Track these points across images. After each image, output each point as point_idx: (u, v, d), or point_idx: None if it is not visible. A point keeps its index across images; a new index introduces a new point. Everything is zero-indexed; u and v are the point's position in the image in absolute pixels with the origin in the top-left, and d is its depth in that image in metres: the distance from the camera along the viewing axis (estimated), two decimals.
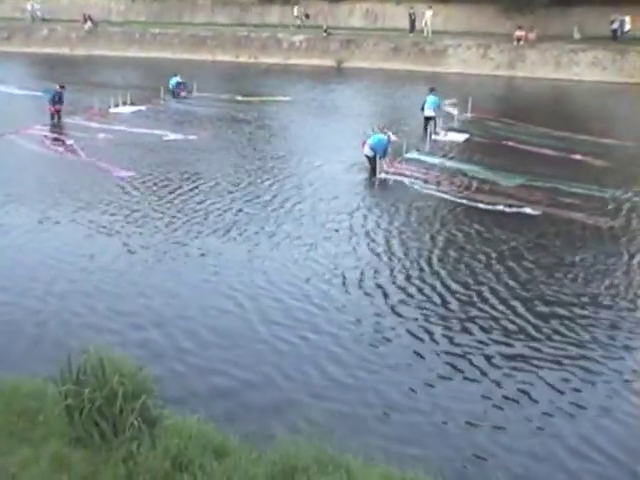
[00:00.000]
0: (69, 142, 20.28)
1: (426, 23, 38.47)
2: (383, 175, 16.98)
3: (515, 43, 35.73)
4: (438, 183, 16.50)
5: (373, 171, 17.03)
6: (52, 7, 48.09)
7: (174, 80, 28.72)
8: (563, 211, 14.47)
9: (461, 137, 21.52)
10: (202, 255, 12.21)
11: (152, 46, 42.11)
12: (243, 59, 40.13)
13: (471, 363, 8.78)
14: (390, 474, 5.73)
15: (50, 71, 36.21)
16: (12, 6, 48.72)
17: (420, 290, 10.90)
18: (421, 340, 9.40)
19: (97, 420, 5.69)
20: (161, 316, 9.96)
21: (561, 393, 8.15)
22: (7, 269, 11.60)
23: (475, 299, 10.57)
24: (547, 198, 15.24)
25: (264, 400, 7.92)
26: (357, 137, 19.98)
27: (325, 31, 39.85)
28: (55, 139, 20.96)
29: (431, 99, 21.31)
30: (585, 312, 10.22)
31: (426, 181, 16.63)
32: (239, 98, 28.24)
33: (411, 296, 10.69)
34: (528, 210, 14.45)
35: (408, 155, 18.74)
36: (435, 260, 12.12)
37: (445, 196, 15.51)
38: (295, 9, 42.06)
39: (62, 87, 23.25)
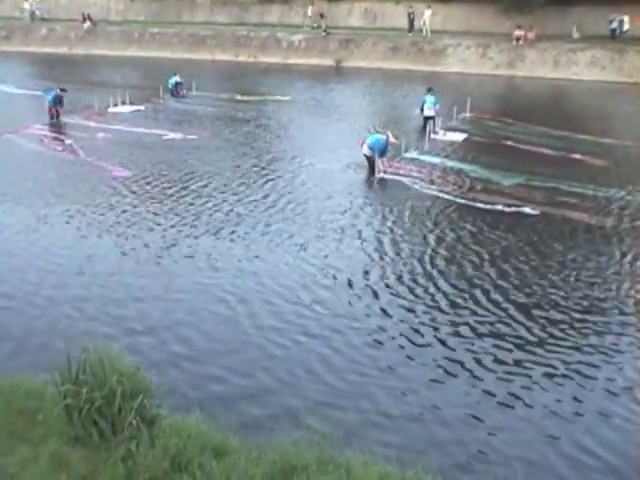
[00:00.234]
0: (68, 141, 20.27)
1: (425, 22, 38.46)
2: (382, 174, 16.98)
3: (514, 42, 35.73)
4: (437, 183, 16.49)
5: (372, 170, 17.03)
6: (51, 6, 48.10)
7: (173, 79, 28.73)
8: (562, 211, 14.47)
9: (460, 136, 21.52)
10: (195, 256, 12.17)
11: (151, 45, 42.08)
12: (242, 58, 40.11)
13: (465, 367, 8.73)
14: (390, 473, 5.72)
15: (49, 70, 36.21)
16: (11, 5, 48.67)
17: (415, 292, 10.86)
18: (415, 343, 9.35)
19: (96, 419, 5.69)
20: (153, 319, 9.91)
21: (556, 398, 8.10)
22: (2, 269, 11.58)
23: (471, 301, 10.53)
24: (546, 198, 15.24)
25: (258, 405, 7.86)
26: (356, 136, 20.00)
27: (324, 31, 39.85)
28: (54, 138, 20.95)
29: (430, 99, 21.34)
30: (587, 313, 10.22)
31: (425, 180, 16.62)
32: (238, 97, 28.24)
33: (405, 298, 10.66)
34: (527, 210, 14.45)
35: (407, 154, 18.74)
36: (433, 261, 12.10)
37: (444, 196, 15.50)
38: (309, 9, 41.89)
39: (63, 90, 23.33)
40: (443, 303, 10.49)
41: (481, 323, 9.84)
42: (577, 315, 10.09)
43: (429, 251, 12.49)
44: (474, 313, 10.14)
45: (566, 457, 7.11)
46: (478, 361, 8.84)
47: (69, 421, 5.82)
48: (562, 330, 9.64)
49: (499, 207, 14.58)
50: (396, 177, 16.87)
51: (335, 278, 11.26)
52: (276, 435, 6.54)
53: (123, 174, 16.83)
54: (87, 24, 44.17)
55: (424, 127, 21.25)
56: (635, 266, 11.88)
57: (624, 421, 7.71)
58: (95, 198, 15.05)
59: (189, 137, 21.08)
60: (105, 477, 5.41)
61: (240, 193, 15.60)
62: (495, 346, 9.23)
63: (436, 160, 18.61)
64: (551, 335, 9.51)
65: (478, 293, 10.75)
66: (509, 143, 20.48)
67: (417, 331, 9.64)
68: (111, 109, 25.18)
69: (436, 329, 9.68)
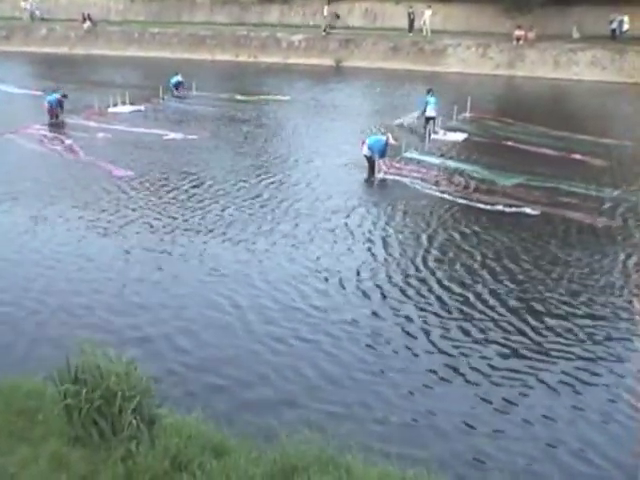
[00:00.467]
0: (68, 141, 20.27)
1: (425, 22, 38.43)
2: (382, 175, 16.97)
3: (514, 42, 35.70)
4: (437, 183, 16.49)
5: (372, 170, 17.03)
6: (51, 6, 48.07)
7: (175, 79, 28.79)
8: (562, 211, 14.46)
9: (460, 137, 21.51)
10: (199, 255, 12.20)
11: (151, 45, 42.06)
12: (242, 58, 40.08)
13: (461, 371, 8.69)
14: (390, 473, 5.71)
15: (49, 70, 36.23)
16: (12, 5, 48.64)
17: (417, 290, 10.88)
18: (419, 340, 9.37)
19: (96, 419, 5.68)
20: (150, 320, 9.91)
21: (555, 403, 8.07)
22: (3, 269, 11.60)
23: (470, 302, 10.51)
24: (546, 198, 15.23)
25: (261, 402, 7.88)
26: (356, 136, 19.98)
27: (324, 30, 39.85)
28: (54, 138, 20.94)
29: (432, 100, 21.36)
30: (586, 314, 10.22)
31: (425, 180, 16.61)
32: (238, 97, 28.23)
33: (408, 296, 10.67)
34: (527, 210, 14.44)
35: (407, 154, 18.73)
36: (433, 260, 12.10)
37: (444, 196, 15.50)
38: (325, 9, 41.82)
39: (65, 96, 23.40)
40: (446, 301, 10.49)
41: (480, 326, 9.82)
42: (577, 317, 10.08)
43: (429, 252, 12.48)
44: (473, 315, 10.12)
45: (563, 465, 7.08)
46: (475, 365, 8.81)
47: (69, 421, 5.81)
48: (562, 331, 9.63)
49: (499, 207, 14.57)
50: (396, 177, 16.86)
51: (333, 279, 11.25)
52: (280, 430, 6.53)
53: (123, 174, 16.83)
54: (87, 24, 44.16)
55: (424, 127, 21.23)
56: (636, 266, 11.87)
57: (623, 427, 7.68)
58: (95, 198, 15.05)
59: (189, 137, 21.07)
60: (105, 477, 5.40)
61: (240, 193, 15.60)
62: (493, 349, 9.21)
63: (436, 160, 18.60)
64: (550, 337, 9.50)
65: (477, 294, 10.74)
66: (509, 143, 20.46)
67: (422, 329, 9.65)
68: (111, 109, 25.18)
69: (435, 331, 9.66)
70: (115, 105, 25.56)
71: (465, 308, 10.32)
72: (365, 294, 10.75)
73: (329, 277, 11.30)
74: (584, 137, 21.05)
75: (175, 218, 13.93)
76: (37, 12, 47.40)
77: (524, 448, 7.23)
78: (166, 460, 5.46)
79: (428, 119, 21.32)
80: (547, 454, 7.18)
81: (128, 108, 25.54)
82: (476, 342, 9.35)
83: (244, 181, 16.56)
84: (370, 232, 13.39)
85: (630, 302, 10.52)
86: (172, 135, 21.31)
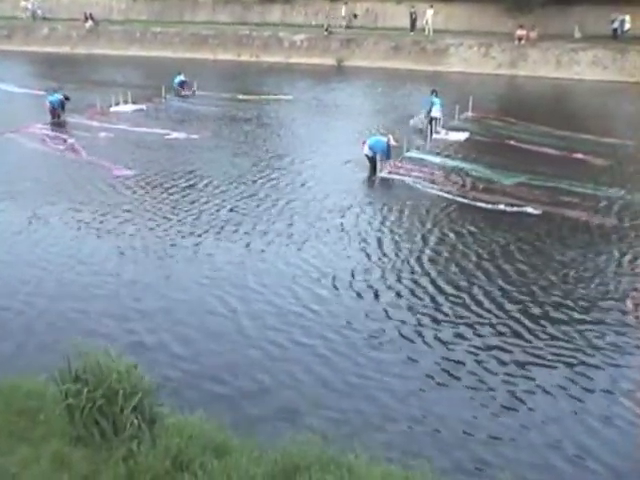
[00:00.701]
0: (70, 141, 20.28)
1: (427, 22, 38.39)
2: (384, 174, 16.96)
3: (516, 42, 35.65)
4: (439, 182, 16.47)
5: (373, 170, 17.02)
6: (53, 6, 48.06)
7: (178, 79, 28.79)
8: (564, 210, 14.44)
9: (462, 136, 21.49)
10: (194, 255, 12.19)
11: (153, 45, 42.05)
12: (244, 58, 40.06)
13: (465, 369, 8.69)
14: (392, 473, 5.70)
15: (50, 70, 36.22)
16: (13, 5, 48.64)
17: (415, 292, 10.85)
18: (415, 344, 9.34)
19: (97, 419, 5.67)
20: (152, 319, 9.90)
21: (559, 400, 8.08)
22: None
23: (471, 301, 10.51)
24: (548, 197, 15.21)
25: (259, 407, 7.85)
26: (357, 136, 19.97)
27: (326, 30, 39.82)
28: (56, 138, 20.94)
29: (437, 101, 21.36)
30: (588, 313, 10.21)
31: (427, 180, 16.60)
32: (240, 97, 28.21)
33: (405, 298, 10.64)
34: (529, 209, 14.42)
35: (409, 154, 18.71)
36: (434, 260, 12.09)
37: (446, 195, 15.48)
38: (343, 9, 41.79)
39: (67, 98, 23.41)
40: (443, 304, 10.46)
41: (481, 324, 9.82)
42: (578, 315, 10.06)
43: (430, 251, 12.47)
44: (474, 314, 10.12)
45: (569, 460, 7.08)
46: (478, 363, 8.80)
47: (70, 421, 5.80)
48: (563, 331, 9.62)
49: (501, 207, 14.55)
50: (398, 176, 16.85)
51: (334, 278, 11.25)
52: (277, 435, 6.51)
53: (125, 173, 16.83)
54: (89, 23, 44.16)
55: (427, 127, 21.21)
56: (636, 266, 11.84)
57: (628, 424, 7.67)
58: (96, 197, 15.05)
59: (191, 136, 21.07)
60: (107, 477, 5.39)
61: (241, 192, 15.59)
62: (496, 347, 9.20)
63: (438, 159, 18.59)
64: (552, 336, 9.49)
65: (478, 293, 10.73)
66: (511, 142, 20.43)
67: (418, 332, 9.62)
68: (113, 108, 25.18)
69: (436, 330, 9.65)
70: (117, 104, 25.55)
71: (466, 306, 10.31)
72: (367, 292, 10.73)
73: (330, 276, 11.28)
74: (586, 136, 21.01)
75: (176, 217, 13.94)
76: (39, 11, 47.40)
77: (521, 454, 7.17)
78: (167, 460, 5.44)
79: (432, 119, 21.35)
80: (552, 450, 7.17)
81: (130, 107, 25.53)
82: (478, 339, 9.34)
83: (246, 180, 16.54)
84: (371, 231, 13.42)
85: (631, 300, 10.49)
86: (174, 134, 21.31)
